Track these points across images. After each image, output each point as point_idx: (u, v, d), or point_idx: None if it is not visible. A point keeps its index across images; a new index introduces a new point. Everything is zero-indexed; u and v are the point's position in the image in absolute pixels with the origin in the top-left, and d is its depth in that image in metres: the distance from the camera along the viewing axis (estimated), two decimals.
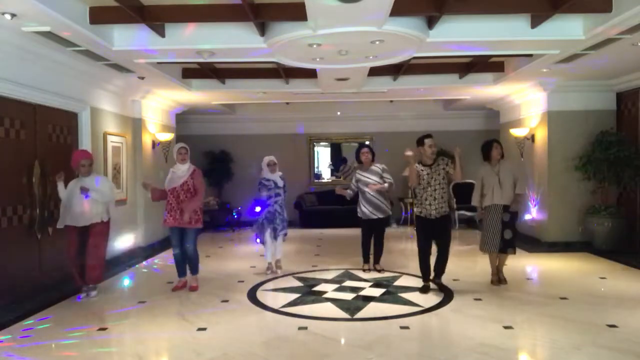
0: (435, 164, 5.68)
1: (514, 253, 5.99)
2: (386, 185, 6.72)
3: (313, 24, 5.10)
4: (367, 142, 13.02)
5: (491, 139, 6.27)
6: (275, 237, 6.85)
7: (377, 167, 6.86)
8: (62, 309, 5.31)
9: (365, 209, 6.80)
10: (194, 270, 6.11)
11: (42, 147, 6.01)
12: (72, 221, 5.58)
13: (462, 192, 10.41)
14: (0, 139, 5.31)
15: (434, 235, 5.71)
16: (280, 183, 6.83)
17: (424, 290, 5.74)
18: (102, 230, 5.73)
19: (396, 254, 8.09)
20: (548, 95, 8.64)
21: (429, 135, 5.78)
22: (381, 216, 6.81)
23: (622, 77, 8.09)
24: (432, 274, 5.82)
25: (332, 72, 7.51)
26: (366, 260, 6.99)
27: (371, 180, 6.75)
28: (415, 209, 5.80)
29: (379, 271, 6.84)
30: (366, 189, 6.75)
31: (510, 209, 5.85)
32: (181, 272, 6.13)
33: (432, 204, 5.60)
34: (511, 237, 5.86)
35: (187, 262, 6.08)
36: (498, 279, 6.05)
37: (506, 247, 5.88)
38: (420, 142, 5.75)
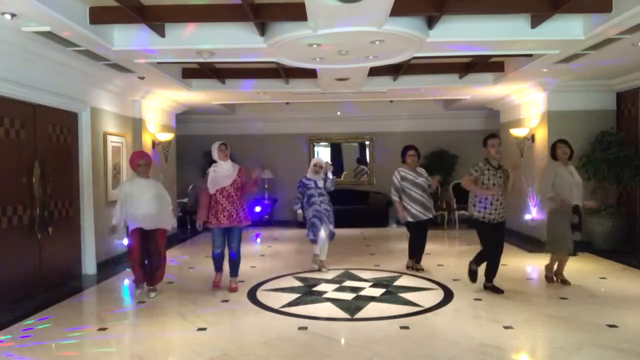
0: (502, 167, 5.49)
1: (574, 254, 5.88)
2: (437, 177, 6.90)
3: (313, 24, 5.11)
4: (367, 142, 13.07)
5: (558, 138, 5.99)
6: (331, 238, 7.05)
7: (420, 169, 6.84)
8: (62, 309, 5.31)
9: (413, 210, 6.65)
10: (236, 272, 6.07)
11: (42, 147, 6.01)
12: (137, 223, 5.48)
13: (463, 192, 10.40)
14: (0, 139, 5.31)
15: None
16: (321, 183, 6.91)
17: (497, 290, 5.58)
18: (165, 232, 5.73)
19: (396, 254, 8.09)
20: (548, 95, 8.64)
21: (492, 135, 5.54)
22: (430, 216, 6.76)
23: (622, 77, 8.10)
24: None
25: (332, 72, 7.51)
26: (411, 257, 6.98)
27: (419, 180, 6.67)
28: (476, 213, 5.50)
29: (419, 270, 6.83)
30: (413, 189, 6.66)
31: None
32: (219, 268, 6.16)
33: (498, 208, 5.39)
34: (579, 238, 5.78)
35: (229, 263, 6.06)
36: (557, 278, 6.03)
37: (574, 249, 5.76)
38: (484, 142, 5.54)
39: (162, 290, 6.03)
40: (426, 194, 6.75)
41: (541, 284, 6.22)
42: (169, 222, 5.79)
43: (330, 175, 7.00)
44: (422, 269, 6.86)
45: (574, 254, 5.81)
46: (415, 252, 6.96)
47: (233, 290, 5.95)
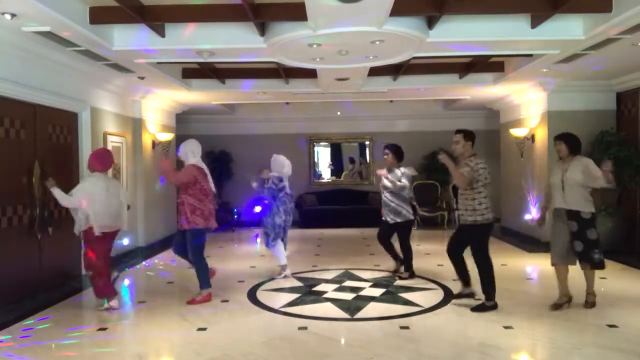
0: (462, 166, 5.03)
1: (590, 268, 4.94)
2: (397, 184, 6.29)
3: (313, 24, 5.11)
4: (367, 142, 13.08)
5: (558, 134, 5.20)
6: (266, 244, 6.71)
7: (399, 170, 6.41)
8: (62, 309, 5.31)
9: (384, 209, 6.51)
10: (199, 280, 5.53)
11: (42, 147, 6.01)
12: (111, 222, 5.23)
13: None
14: (0, 139, 5.31)
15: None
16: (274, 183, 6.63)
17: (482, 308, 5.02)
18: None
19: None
20: (548, 95, 8.64)
21: (457, 131, 5.18)
22: (398, 220, 6.35)
23: (622, 77, 8.09)
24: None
25: (332, 72, 7.51)
26: (396, 261, 6.65)
27: (387, 182, 6.40)
28: None
29: (399, 277, 6.47)
30: (384, 191, 6.49)
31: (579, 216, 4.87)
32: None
33: (459, 208, 5.13)
34: (582, 249, 4.86)
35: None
36: (568, 300, 5.05)
37: (580, 260, 4.94)
38: None
39: (162, 290, 6.04)
40: (393, 195, 6.37)
41: (541, 284, 6.22)
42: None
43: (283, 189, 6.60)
44: (400, 275, 6.51)
45: (580, 264, 5.03)
46: (392, 255, 6.64)
47: (188, 302, 5.43)
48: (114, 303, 5.22)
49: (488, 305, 5.01)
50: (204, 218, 5.41)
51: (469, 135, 5.12)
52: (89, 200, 5.03)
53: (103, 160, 5.33)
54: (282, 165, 6.61)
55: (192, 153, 5.53)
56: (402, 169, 6.44)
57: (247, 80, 8.78)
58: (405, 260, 6.54)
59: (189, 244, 5.46)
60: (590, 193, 4.95)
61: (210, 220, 5.49)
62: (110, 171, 7.55)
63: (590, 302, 5.04)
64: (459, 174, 4.96)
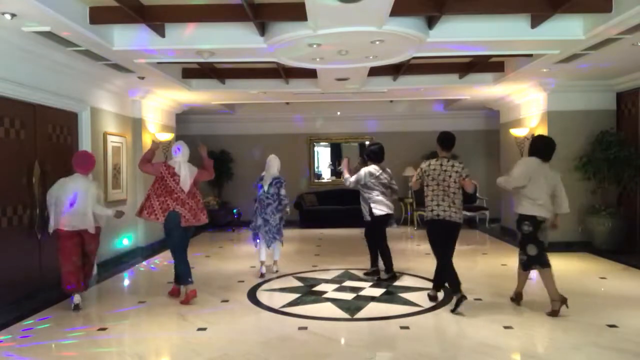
0: None
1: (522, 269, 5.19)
2: (345, 177, 6.53)
3: (313, 24, 5.11)
4: (367, 142, 13.05)
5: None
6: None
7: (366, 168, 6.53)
8: (62, 309, 5.31)
9: None
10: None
11: (42, 147, 6.01)
12: (74, 222, 5.29)
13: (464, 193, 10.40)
14: (0, 139, 5.31)
15: None
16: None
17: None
18: (98, 232, 5.54)
19: (396, 254, 8.07)
20: (548, 95, 8.64)
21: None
22: (365, 219, 6.54)
23: (622, 77, 8.10)
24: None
25: (332, 72, 7.51)
26: (372, 265, 6.72)
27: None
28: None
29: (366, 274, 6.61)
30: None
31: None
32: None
33: None
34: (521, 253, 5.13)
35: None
36: (515, 296, 5.31)
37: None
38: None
39: (162, 290, 6.03)
40: (360, 197, 6.56)
41: (541, 284, 6.21)
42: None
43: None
44: (367, 273, 6.67)
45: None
46: (371, 256, 6.72)
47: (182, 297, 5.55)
48: (76, 299, 5.26)
49: (457, 299, 5.00)
50: (148, 212, 5.46)
51: (437, 139, 5.37)
52: (52, 200, 5.32)
53: (78, 162, 5.47)
54: (267, 165, 6.77)
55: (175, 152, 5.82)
56: (368, 167, 6.52)
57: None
58: (379, 261, 6.62)
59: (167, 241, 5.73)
60: (530, 194, 5.04)
61: (153, 215, 5.44)
62: (110, 171, 7.64)
63: (553, 310, 4.85)
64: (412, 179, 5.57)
